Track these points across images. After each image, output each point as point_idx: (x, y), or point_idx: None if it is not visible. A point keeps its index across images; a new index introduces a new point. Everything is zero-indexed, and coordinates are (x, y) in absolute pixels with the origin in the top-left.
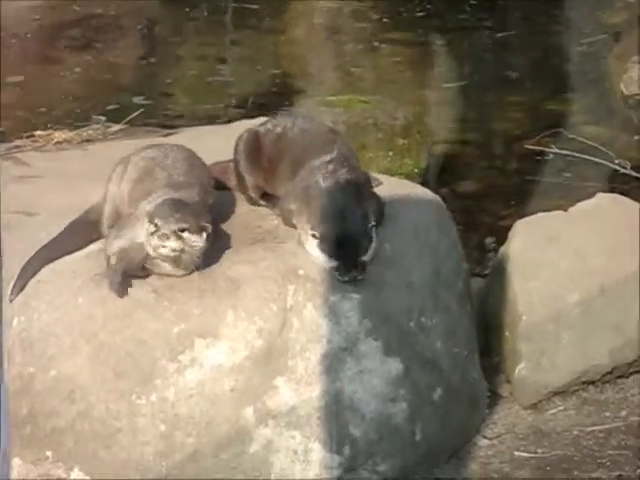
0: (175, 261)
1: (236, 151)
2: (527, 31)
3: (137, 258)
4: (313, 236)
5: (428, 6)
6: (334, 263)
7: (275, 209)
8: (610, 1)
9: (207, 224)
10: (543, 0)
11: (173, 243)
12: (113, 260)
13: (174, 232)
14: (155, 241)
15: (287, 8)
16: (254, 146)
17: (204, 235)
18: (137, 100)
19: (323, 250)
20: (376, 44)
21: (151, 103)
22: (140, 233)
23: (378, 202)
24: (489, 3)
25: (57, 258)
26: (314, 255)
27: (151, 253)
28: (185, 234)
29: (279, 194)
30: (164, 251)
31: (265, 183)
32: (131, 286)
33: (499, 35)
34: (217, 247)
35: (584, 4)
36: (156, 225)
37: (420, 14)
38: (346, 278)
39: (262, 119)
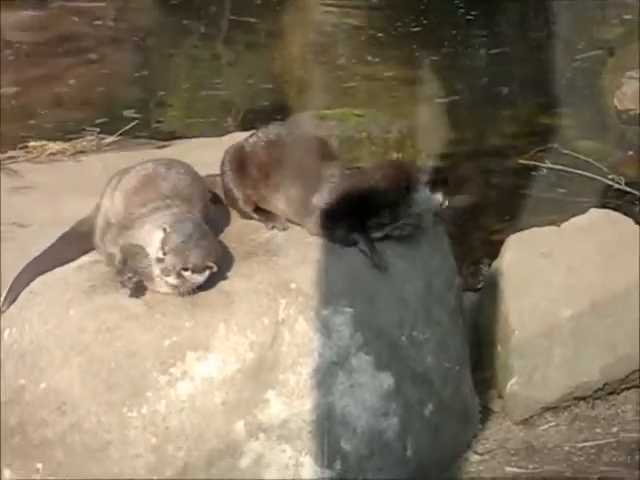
0: (172, 289)
1: (223, 165)
2: (522, 47)
3: (141, 261)
4: None
5: (424, 22)
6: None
7: (268, 222)
8: (605, 17)
9: (212, 264)
10: (538, 16)
11: (173, 280)
12: (118, 258)
13: (177, 271)
14: (157, 269)
15: (283, 23)
16: (240, 159)
17: (206, 273)
18: (128, 113)
19: None
20: (369, 58)
21: (142, 116)
22: (148, 240)
23: None
24: (485, 19)
25: (49, 270)
26: None
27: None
28: (187, 273)
29: (272, 204)
30: (162, 281)
31: (255, 194)
32: (146, 288)
33: (493, 51)
34: None
35: (579, 20)
36: (164, 254)
37: (415, 29)
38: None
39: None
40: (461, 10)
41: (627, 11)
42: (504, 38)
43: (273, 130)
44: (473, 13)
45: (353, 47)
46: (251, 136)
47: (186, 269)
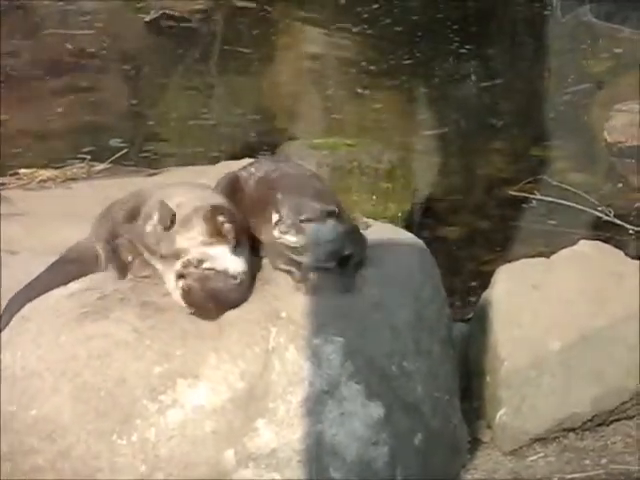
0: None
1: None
2: (512, 80)
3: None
4: None
5: (417, 54)
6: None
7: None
8: (595, 51)
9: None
10: (529, 50)
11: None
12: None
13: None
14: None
15: (275, 54)
16: (234, 189)
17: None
18: (115, 142)
19: None
20: (359, 91)
21: (128, 145)
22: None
23: (360, 238)
24: (477, 52)
25: (39, 295)
26: None
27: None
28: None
29: (261, 236)
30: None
31: (247, 224)
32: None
33: (485, 84)
34: None
35: (569, 54)
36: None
37: (407, 62)
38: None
39: (247, 160)
40: (455, 44)
41: (617, 44)
42: (496, 71)
43: (268, 162)
44: (467, 47)
45: (344, 78)
46: (247, 166)
47: (304, 220)
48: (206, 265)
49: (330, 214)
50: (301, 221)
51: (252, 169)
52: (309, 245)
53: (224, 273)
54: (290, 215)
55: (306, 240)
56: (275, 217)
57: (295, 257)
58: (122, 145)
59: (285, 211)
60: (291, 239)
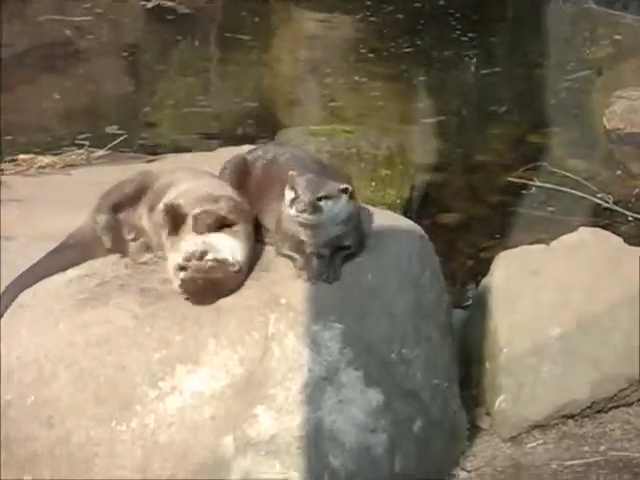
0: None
1: (222, 176)
2: (512, 67)
3: None
4: None
5: (418, 42)
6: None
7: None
8: (595, 37)
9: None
10: (530, 37)
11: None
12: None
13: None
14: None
15: (274, 42)
16: (241, 172)
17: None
18: (112, 129)
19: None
20: (357, 78)
21: (124, 132)
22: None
23: (360, 231)
24: (479, 40)
25: (38, 281)
26: None
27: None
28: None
29: (266, 221)
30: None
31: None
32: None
33: (485, 71)
34: None
35: (570, 40)
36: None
37: (408, 50)
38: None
39: (246, 146)
40: (457, 32)
41: (617, 31)
42: (496, 58)
43: (276, 147)
44: (467, 34)
45: (344, 67)
46: (254, 150)
47: (321, 198)
48: (209, 257)
49: (345, 192)
50: (318, 199)
51: (260, 152)
52: (324, 223)
53: (224, 262)
54: (307, 193)
55: (323, 218)
56: (291, 195)
57: (304, 236)
58: (116, 132)
59: (302, 189)
60: (309, 217)
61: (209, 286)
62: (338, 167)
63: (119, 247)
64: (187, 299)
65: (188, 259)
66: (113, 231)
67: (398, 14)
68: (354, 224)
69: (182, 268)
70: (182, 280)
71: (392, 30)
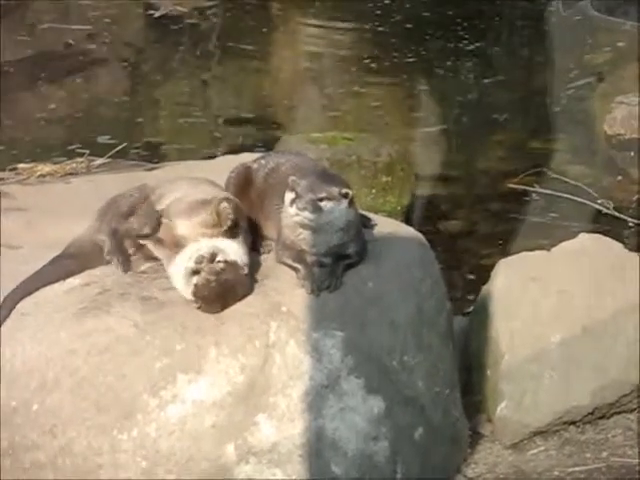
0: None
1: (227, 184)
2: (513, 73)
3: None
4: None
5: (423, 52)
6: None
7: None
8: (595, 44)
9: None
10: (531, 43)
11: (311, 215)
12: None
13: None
14: (292, 209)
15: (275, 51)
16: (245, 180)
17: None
18: (105, 139)
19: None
20: (356, 88)
21: (118, 142)
22: None
23: (361, 239)
24: (478, 46)
25: (38, 290)
26: None
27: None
28: (323, 203)
29: (267, 229)
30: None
31: (252, 217)
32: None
33: (488, 80)
34: None
35: (571, 47)
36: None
37: (411, 59)
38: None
39: (246, 154)
40: (465, 41)
41: (618, 37)
42: (498, 66)
43: (274, 157)
44: (468, 42)
45: (345, 76)
46: (258, 159)
47: (321, 199)
48: (219, 258)
49: (345, 196)
50: (319, 199)
51: (262, 161)
52: (324, 225)
53: (234, 264)
54: (308, 193)
55: (322, 219)
56: (291, 195)
57: (305, 245)
58: (109, 142)
59: (302, 189)
60: (309, 216)
61: (222, 291)
62: (339, 175)
63: (127, 265)
64: (199, 308)
65: (200, 261)
66: (121, 252)
67: (398, 22)
68: (355, 232)
69: (195, 272)
70: (196, 286)
71: (400, 41)
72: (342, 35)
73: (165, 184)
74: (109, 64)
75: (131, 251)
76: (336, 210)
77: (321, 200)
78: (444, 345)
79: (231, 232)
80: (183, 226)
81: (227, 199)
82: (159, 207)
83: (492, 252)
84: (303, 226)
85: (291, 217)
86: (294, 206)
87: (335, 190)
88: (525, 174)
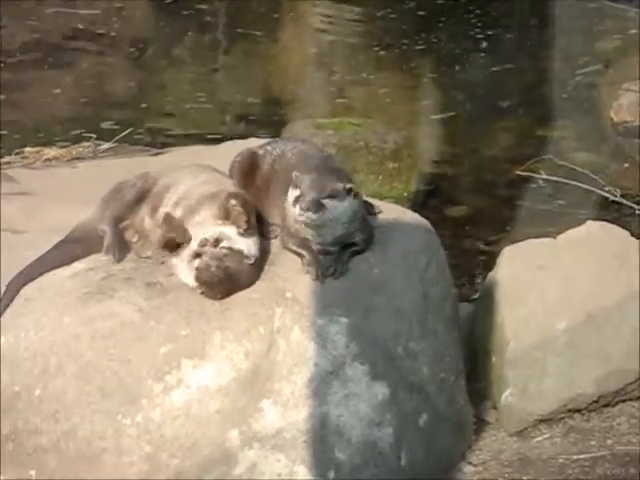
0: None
1: (232, 169)
2: (520, 60)
3: None
4: None
5: (434, 40)
6: None
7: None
8: (604, 31)
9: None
10: (538, 30)
11: (314, 215)
12: None
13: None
14: (296, 208)
15: (283, 37)
16: (250, 165)
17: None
18: (108, 125)
19: None
20: (364, 75)
21: (124, 128)
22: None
23: (368, 227)
24: (492, 36)
25: (42, 275)
26: None
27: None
28: (327, 200)
29: (272, 215)
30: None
31: (257, 203)
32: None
33: (492, 65)
34: None
35: (579, 34)
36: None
37: (421, 47)
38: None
39: (252, 140)
40: (477, 29)
41: (625, 24)
42: (506, 54)
43: (281, 143)
44: (488, 32)
45: (353, 63)
46: (265, 144)
47: (325, 197)
48: (223, 244)
49: (349, 192)
50: (323, 198)
51: (269, 147)
52: (328, 222)
53: (240, 253)
54: (311, 192)
55: (326, 217)
56: (295, 193)
57: (310, 236)
58: (126, 125)
59: (306, 188)
60: (312, 216)
61: (223, 277)
62: (342, 168)
63: (124, 253)
64: (202, 293)
65: (203, 244)
66: (119, 245)
67: (419, 11)
68: (360, 222)
69: (197, 255)
70: (197, 269)
71: (412, 28)
72: (352, 21)
73: (169, 173)
74: (117, 49)
75: (135, 238)
76: (340, 207)
77: (325, 199)
78: (449, 332)
79: (239, 225)
80: (190, 224)
81: (235, 195)
82: (166, 203)
83: (498, 239)
84: (307, 225)
85: (295, 216)
86: (297, 206)
87: (339, 186)
88: (532, 161)
